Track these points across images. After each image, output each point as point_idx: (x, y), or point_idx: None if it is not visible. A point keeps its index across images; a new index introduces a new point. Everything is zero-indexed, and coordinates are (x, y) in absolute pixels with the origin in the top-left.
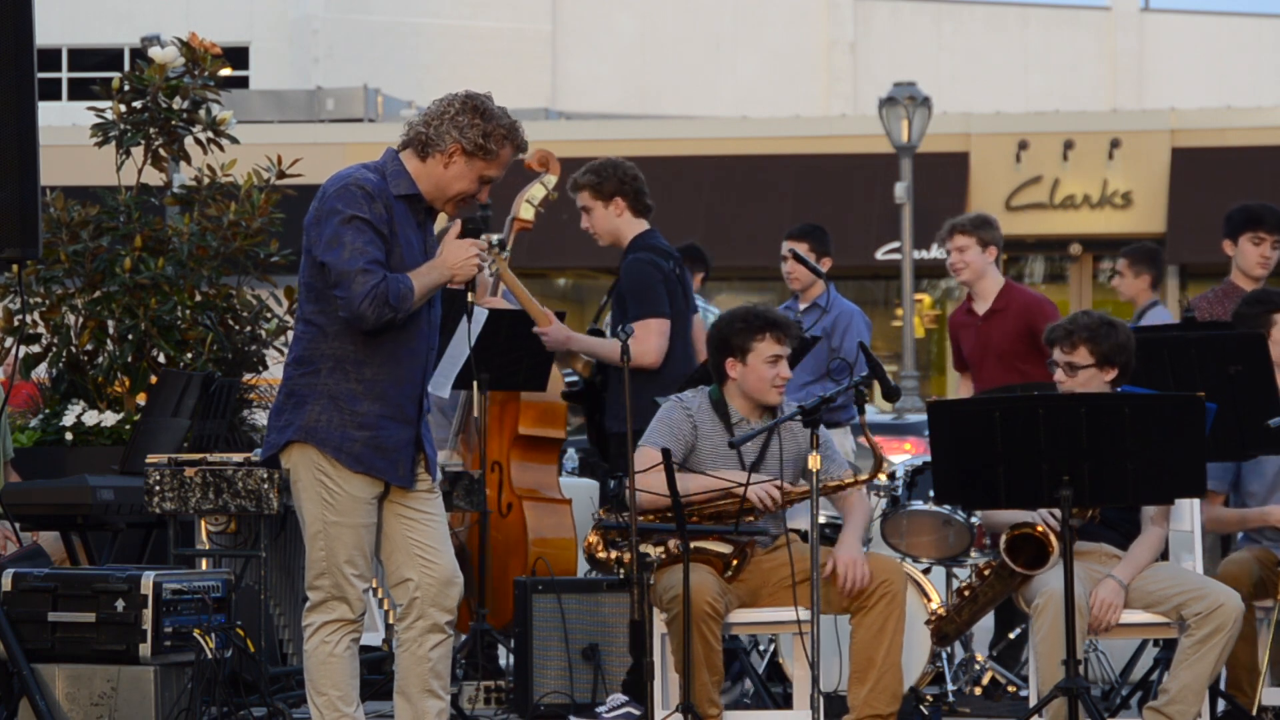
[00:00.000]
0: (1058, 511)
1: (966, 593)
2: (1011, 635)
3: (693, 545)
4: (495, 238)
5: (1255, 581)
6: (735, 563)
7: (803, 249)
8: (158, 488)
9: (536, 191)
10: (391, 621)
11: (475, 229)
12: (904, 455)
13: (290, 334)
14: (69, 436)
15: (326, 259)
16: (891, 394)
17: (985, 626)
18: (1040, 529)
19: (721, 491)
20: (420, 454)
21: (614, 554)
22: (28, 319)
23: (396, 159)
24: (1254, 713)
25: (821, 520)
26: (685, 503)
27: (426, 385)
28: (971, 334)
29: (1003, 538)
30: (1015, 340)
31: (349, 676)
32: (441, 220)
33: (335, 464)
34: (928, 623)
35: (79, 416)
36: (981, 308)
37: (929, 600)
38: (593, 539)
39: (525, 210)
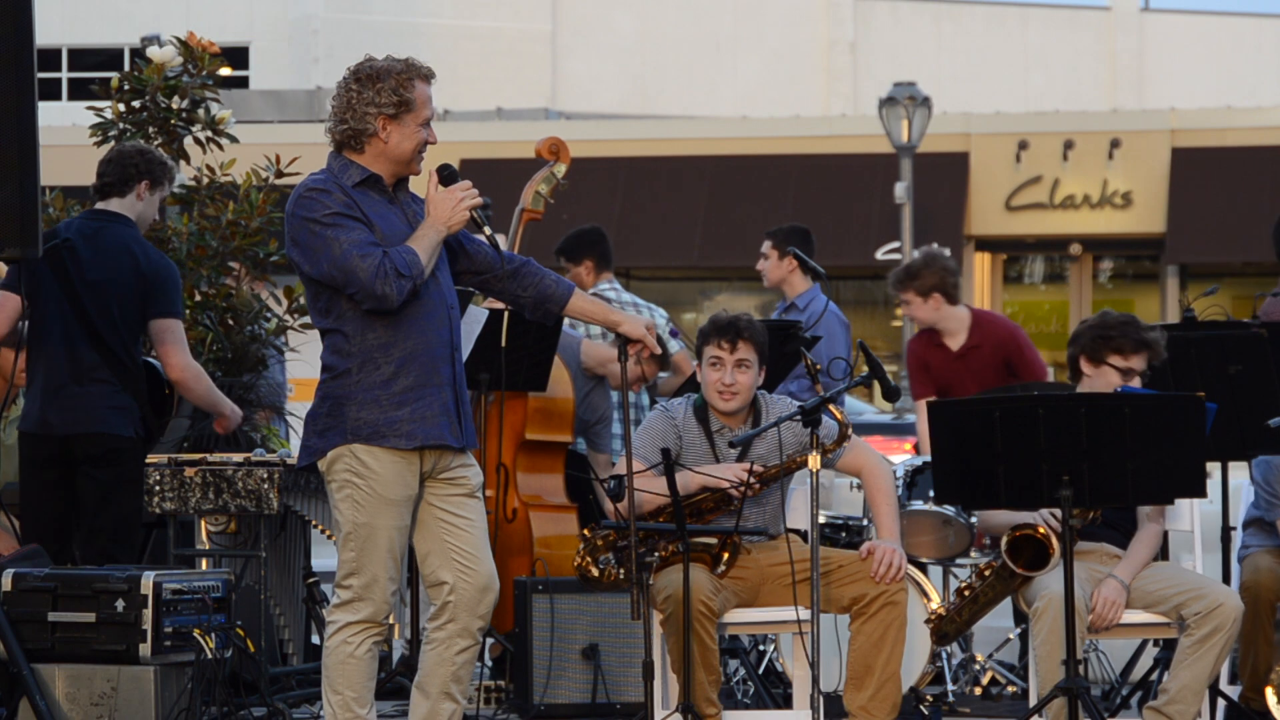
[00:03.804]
0: (1059, 513)
1: (966, 593)
2: (1011, 635)
3: (675, 544)
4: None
5: None
6: (726, 556)
7: (766, 247)
8: (158, 488)
9: (546, 181)
10: (392, 621)
11: (451, 174)
12: (904, 455)
13: (289, 334)
14: None
15: (323, 268)
16: (891, 394)
17: (986, 626)
18: (1042, 531)
19: (699, 488)
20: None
21: (608, 569)
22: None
23: (339, 156)
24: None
25: (821, 520)
26: (658, 507)
27: (457, 346)
28: (944, 370)
29: (1004, 539)
30: (996, 375)
31: (366, 678)
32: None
33: (381, 456)
34: (927, 622)
35: None
36: (955, 344)
37: (929, 600)
38: (584, 560)
39: (534, 200)
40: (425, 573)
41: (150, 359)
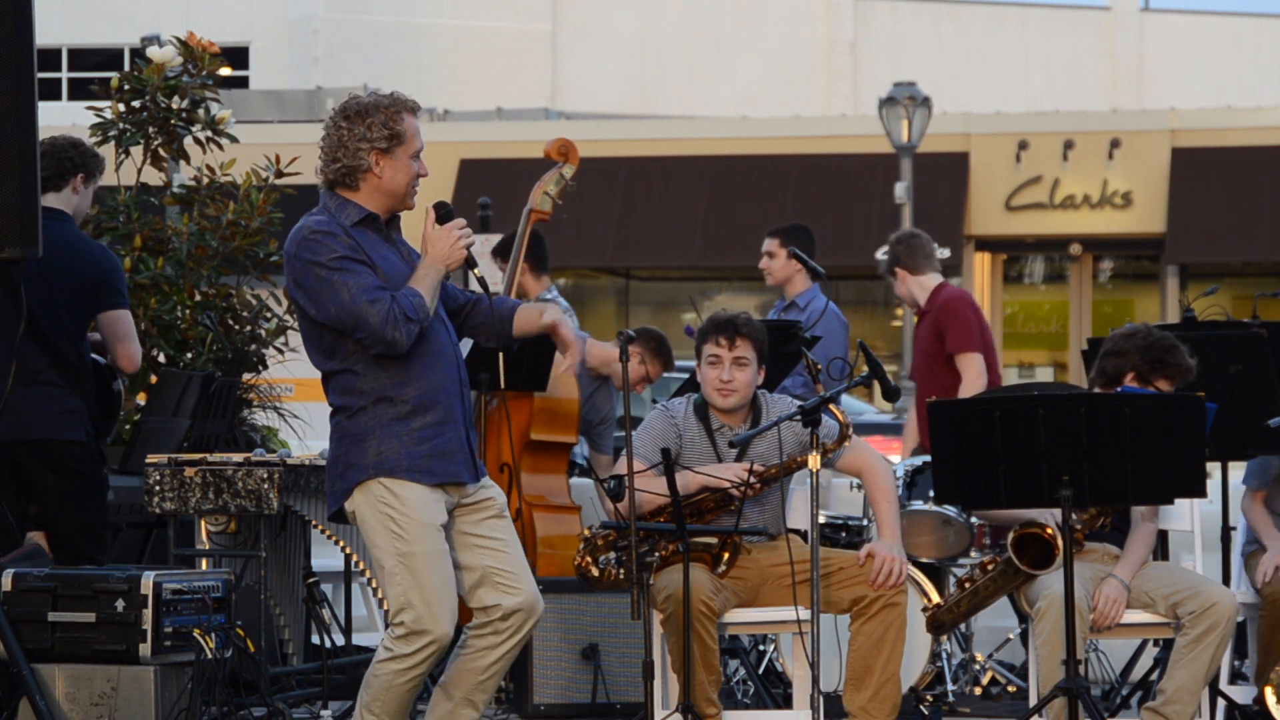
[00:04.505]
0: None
1: (967, 584)
2: (1011, 635)
3: (675, 544)
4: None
5: None
6: (726, 555)
7: (774, 245)
8: (158, 488)
9: (554, 182)
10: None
11: (448, 212)
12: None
13: (289, 334)
14: None
15: (330, 312)
16: (891, 394)
17: (987, 626)
18: (1050, 531)
19: (699, 488)
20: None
21: (608, 569)
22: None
23: (334, 195)
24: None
25: (821, 520)
26: (658, 506)
27: (465, 382)
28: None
29: (1010, 535)
30: (934, 343)
31: (405, 707)
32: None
33: (409, 486)
34: (924, 610)
35: None
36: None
37: (929, 600)
38: (584, 560)
39: (542, 201)
40: (472, 603)
41: (95, 357)
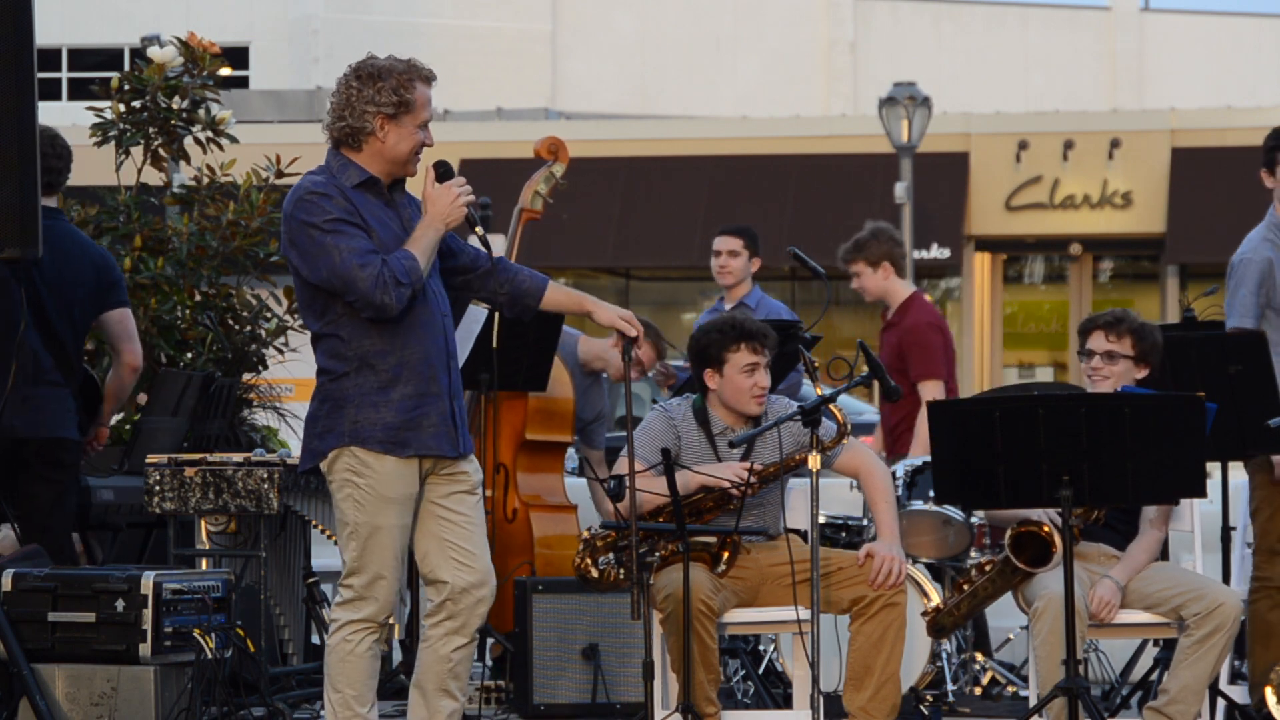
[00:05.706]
0: None
1: (965, 586)
2: (1011, 635)
3: (675, 544)
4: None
5: None
6: (725, 555)
7: (738, 245)
8: (158, 488)
9: (544, 180)
10: (392, 621)
11: (447, 170)
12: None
13: (289, 334)
14: None
15: (322, 274)
16: (891, 394)
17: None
18: (1046, 529)
19: (698, 488)
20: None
21: (608, 570)
22: None
23: (338, 154)
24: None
25: (821, 520)
26: (657, 506)
27: (453, 354)
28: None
29: (1008, 534)
30: (891, 360)
31: (367, 676)
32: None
33: (381, 458)
34: (924, 614)
35: None
36: (888, 316)
37: (928, 600)
38: (583, 561)
39: (533, 200)
40: (424, 571)
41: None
